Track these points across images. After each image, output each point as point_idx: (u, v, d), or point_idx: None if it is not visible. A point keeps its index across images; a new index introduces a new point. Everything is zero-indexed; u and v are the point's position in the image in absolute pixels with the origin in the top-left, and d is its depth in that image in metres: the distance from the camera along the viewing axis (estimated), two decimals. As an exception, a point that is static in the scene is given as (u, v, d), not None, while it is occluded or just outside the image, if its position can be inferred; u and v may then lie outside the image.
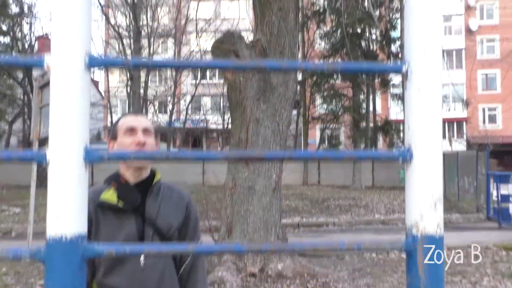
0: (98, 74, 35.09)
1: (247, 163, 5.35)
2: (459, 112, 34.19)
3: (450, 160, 17.11)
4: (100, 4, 24.01)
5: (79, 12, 0.89)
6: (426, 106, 0.96)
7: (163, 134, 35.86)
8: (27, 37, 25.09)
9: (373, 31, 26.19)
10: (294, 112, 28.06)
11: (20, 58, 1.05)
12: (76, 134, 0.89)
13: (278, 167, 5.41)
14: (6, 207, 15.00)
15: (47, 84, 5.64)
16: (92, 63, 0.91)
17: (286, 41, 5.50)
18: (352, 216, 13.82)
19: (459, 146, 35.17)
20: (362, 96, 27.43)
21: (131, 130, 1.98)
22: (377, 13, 26.09)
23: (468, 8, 37.02)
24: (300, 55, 27.43)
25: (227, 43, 5.40)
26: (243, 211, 5.26)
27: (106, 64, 0.95)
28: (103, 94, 36.06)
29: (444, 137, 35.76)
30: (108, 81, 32.59)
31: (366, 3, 25.02)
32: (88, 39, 0.90)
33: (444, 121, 35.37)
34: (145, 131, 1.99)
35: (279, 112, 5.47)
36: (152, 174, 2.07)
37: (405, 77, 0.96)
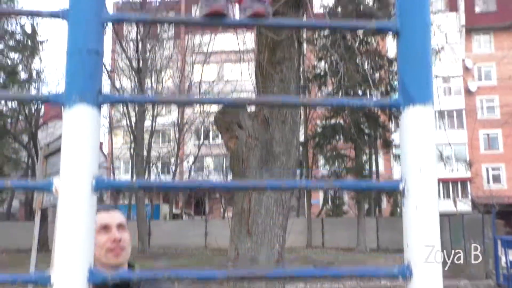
0: (102, 136, 35.43)
1: (250, 233, 5.31)
2: (462, 172, 34.12)
3: (455, 223, 16.89)
4: (106, 69, 24.65)
5: (87, 138, 0.93)
6: (423, 224, 0.98)
7: (165, 195, 35.74)
8: (34, 101, 25.59)
9: (374, 92, 26.62)
10: (298, 171, 28.12)
11: (29, 182, 1.08)
12: (81, 257, 0.91)
13: (281, 237, 5.36)
14: (6, 272, 14.73)
15: (52, 153, 5.71)
16: (99, 185, 0.95)
17: (288, 111, 5.60)
18: (357, 282, 13.51)
19: (464, 206, 34.86)
20: (364, 157, 27.52)
21: (105, 227, 1.90)
22: (377, 75, 26.63)
23: (466, 70, 37.80)
24: (302, 117, 27.77)
25: (229, 113, 5.49)
26: (246, 283, 5.17)
27: (112, 187, 0.98)
28: (106, 155, 36.28)
29: (448, 197, 35.57)
30: (111, 143, 32.90)
31: (366, 66, 25.62)
32: (95, 163, 0.94)
33: (447, 181, 35.37)
34: (119, 226, 1.92)
35: (282, 181, 5.50)
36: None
37: (402, 194, 0.99)
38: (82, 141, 0.91)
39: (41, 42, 24.34)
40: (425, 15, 0.98)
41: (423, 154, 0.96)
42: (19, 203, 32.55)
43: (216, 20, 0.94)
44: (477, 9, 38.17)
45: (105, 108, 30.58)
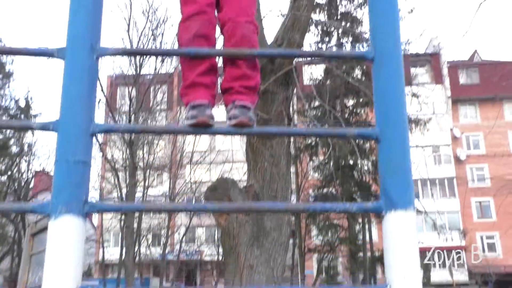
0: (93, 208, 34.97)
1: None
2: (456, 240, 33.78)
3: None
4: (98, 141, 24.78)
5: (72, 248, 0.93)
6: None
7: (156, 267, 34.84)
8: (24, 174, 25.52)
9: (365, 162, 26.80)
10: (290, 241, 27.62)
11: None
12: None
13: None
14: None
15: (39, 231, 5.63)
16: (82, 296, 0.94)
17: (279, 186, 5.62)
18: None
19: (461, 276, 34.23)
20: (357, 227, 27.24)
21: None
22: (368, 145, 26.92)
23: (455, 139, 38.46)
24: (294, 186, 27.75)
25: (221, 189, 5.49)
26: None
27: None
28: (95, 228, 35.70)
29: (444, 267, 34.98)
30: (101, 215, 32.46)
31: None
32: (79, 272, 0.93)
33: (442, 249, 34.90)
34: None
35: (273, 257, 5.40)
36: None
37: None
38: (67, 252, 0.91)
39: (34, 116, 24.61)
40: (403, 124, 1.02)
41: (406, 260, 0.97)
42: (3, 279, 31.49)
43: (202, 130, 0.98)
44: (462, 81, 39.45)
45: (96, 179, 30.41)
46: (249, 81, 1.30)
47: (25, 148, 24.95)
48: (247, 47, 1.32)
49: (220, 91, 1.32)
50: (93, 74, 0.99)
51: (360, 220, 27.27)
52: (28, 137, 26.19)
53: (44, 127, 0.99)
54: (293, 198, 26.97)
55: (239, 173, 25.35)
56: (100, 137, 27.21)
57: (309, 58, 24.11)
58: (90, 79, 0.98)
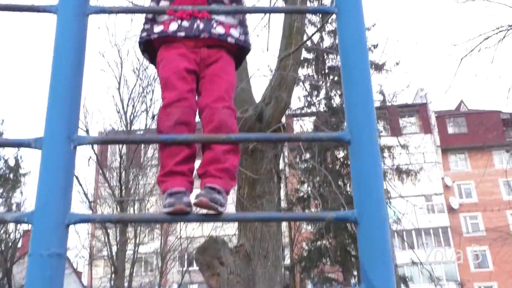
0: (82, 267, 34.21)
1: None
2: (454, 291, 33.14)
3: None
4: (88, 199, 24.51)
5: None
6: None
7: (147, 328, 33.62)
8: (12, 235, 24.99)
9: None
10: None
11: None
12: None
13: None
14: None
15: None
16: None
17: (270, 245, 5.56)
18: None
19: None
20: (353, 280, 26.74)
21: None
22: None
23: (447, 188, 38.53)
24: (287, 240, 27.39)
25: (211, 249, 5.41)
26: None
27: None
28: (85, 286, 34.74)
29: (443, 320, 34.13)
30: (91, 274, 31.64)
31: (348, 188, 25.95)
32: None
33: (440, 301, 34.15)
34: None
35: (266, 322, 5.27)
36: None
37: None
38: None
39: (24, 175, 24.42)
40: (382, 206, 1.02)
41: None
42: None
43: (179, 217, 0.97)
44: (450, 131, 40.02)
45: (85, 237, 29.82)
46: (223, 163, 1.32)
47: (14, 208, 24.58)
48: (225, 132, 1.35)
49: (197, 176, 1.33)
50: (70, 164, 0.98)
51: (355, 273, 26.80)
52: (17, 196, 25.87)
53: (19, 219, 0.97)
54: (287, 252, 26.56)
55: (232, 227, 25.06)
56: (90, 195, 27.01)
57: (303, 102, 24.36)
58: (67, 169, 0.98)
